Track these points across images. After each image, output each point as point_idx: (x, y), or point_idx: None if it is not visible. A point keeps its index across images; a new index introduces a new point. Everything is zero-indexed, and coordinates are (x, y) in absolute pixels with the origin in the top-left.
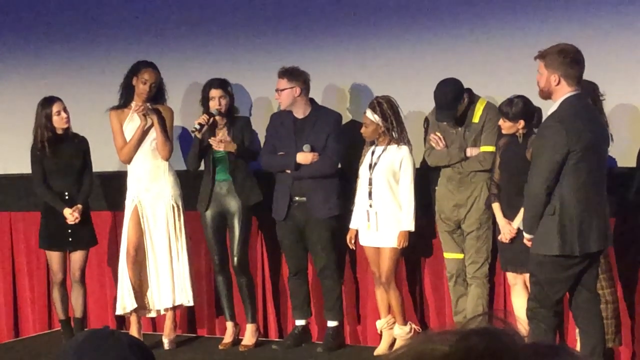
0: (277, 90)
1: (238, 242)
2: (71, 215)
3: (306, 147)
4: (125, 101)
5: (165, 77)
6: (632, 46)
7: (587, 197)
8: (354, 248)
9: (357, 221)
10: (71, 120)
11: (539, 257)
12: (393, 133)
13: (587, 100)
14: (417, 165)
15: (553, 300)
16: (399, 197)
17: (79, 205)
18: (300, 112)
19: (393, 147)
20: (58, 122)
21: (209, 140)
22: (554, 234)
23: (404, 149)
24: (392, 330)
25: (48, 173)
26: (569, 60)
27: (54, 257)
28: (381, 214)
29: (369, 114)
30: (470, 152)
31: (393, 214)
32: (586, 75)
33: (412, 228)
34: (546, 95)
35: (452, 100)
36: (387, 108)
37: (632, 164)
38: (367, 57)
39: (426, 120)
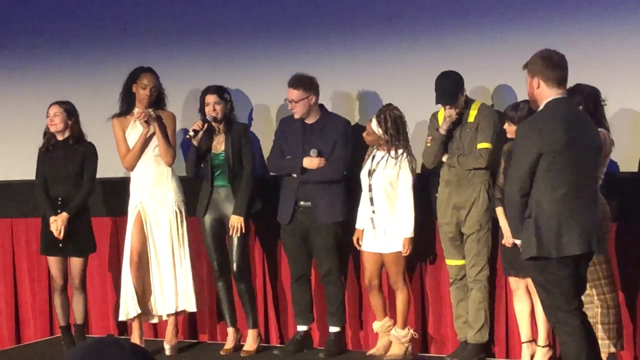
0: (291, 101)
1: (237, 248)
2: (54, 223)
3: (313, 152)
4: (126, 108)
5: (166, 84)
6: (634, 51)
7: (565, 200)
8: (360, 248)
9: (363, 222)
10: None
11: (530, 261)
12: (396, 145)
13: (573, 104)
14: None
15: (563, 300)
16: (397, 204)
17: (64, 214)
18: (310, 117)
19: (392, 161)
20: (50, 125)
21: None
22: (532, 236)
23: (403, 163)
24: (389, 333)
25: (47, 177)
26: (547, 63)
27: (53, 262)
28: (381, 220)
29: (374, 124)
30: (446, 159)
31: (393, 220)
32: (588, 80)
33: (412, 235)
34: (535, 103)
35: (454, 83)
36: (391, 126)
37: (634, 168)
38: (375, 62)
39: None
